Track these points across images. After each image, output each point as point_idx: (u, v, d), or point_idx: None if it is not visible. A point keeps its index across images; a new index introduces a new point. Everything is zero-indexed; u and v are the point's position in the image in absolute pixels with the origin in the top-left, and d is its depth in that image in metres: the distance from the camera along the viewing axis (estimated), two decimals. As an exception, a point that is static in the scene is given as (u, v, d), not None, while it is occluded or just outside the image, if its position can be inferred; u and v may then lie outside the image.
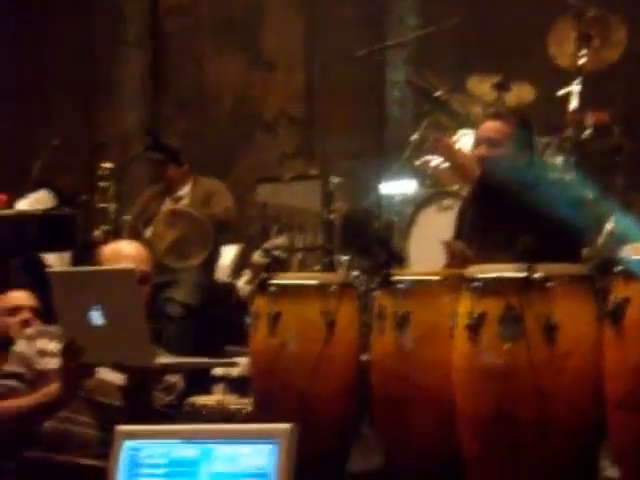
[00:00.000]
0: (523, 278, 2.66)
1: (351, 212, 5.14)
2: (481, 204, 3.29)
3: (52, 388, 2.46)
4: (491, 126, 3.28)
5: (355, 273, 4.65)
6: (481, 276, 2.78)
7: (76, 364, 2.38)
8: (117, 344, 2.32)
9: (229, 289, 4.97)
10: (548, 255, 2.77)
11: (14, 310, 3.37)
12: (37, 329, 2.80)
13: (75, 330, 2.39)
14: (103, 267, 2.59)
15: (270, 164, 6.54)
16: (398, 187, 5.09)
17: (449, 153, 4.32)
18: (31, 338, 2.71)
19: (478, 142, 3.33)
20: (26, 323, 3.26)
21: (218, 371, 4.15)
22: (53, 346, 2.65)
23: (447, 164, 4.45)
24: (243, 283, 4.98)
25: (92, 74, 7.08)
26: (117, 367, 2.40)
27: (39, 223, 3.68)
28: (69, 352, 2.40)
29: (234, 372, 4.08)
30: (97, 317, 2.31)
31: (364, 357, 3.40)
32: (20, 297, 3.42)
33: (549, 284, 2.68)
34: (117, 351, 2.33)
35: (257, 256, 4.88)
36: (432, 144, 4.51)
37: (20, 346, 2.70)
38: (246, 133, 6.77)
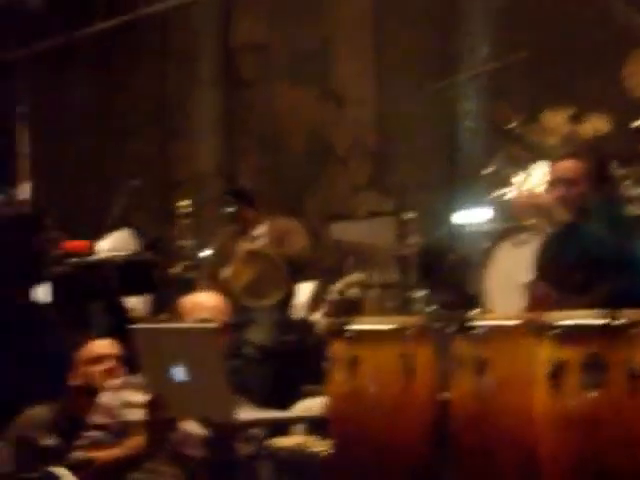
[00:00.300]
0: (605, 325, 2.61)
1: (427, 245, 5.12)
2: (563, 245, 3.25)
3: (137, 441, 2.51)
4: (566, 165, 3.25)
5: (433, 307, 4.62)
6: (562, 323, 2.73)
7: (161, 418, 2.42)
8: (199, 399, 2.36)
9: (306, 326, 4.98)
10: (631, 299, 2.71)
11: (98, 359, 3.41)
12: (121, 380, 2.85)
13: (158, 384, 2.43)
14: (185, 325, 2.63)
15: (343, 197, 6.56)
16: (473, 217, 5.05)
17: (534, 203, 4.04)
18: (116, 389, 2.76)
19: (554, 182, 3.29)
20: (110, 372, 3.30)
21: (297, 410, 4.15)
22: (138, 398, 2.69)
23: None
24: (320, 317, 4.99)
25: (167, 113, 7.22)
26: (200, 422, 2.43)
27: (121, 269, 3.75)
28: (154, 406, 2.44)
29: (314, 412, 4.08)
30: (179, 373, 2.35)
31: (444, 395, 3.36)
32: (104, 345, 3.46)
33: (632, 330, 2.62)
34: (199, 406, 2.37)
35: (333, 294, 4.89)
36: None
37: (105, 397, 2.75)
38: (319, 167, 6.82)
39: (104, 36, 6.49)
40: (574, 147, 3.63)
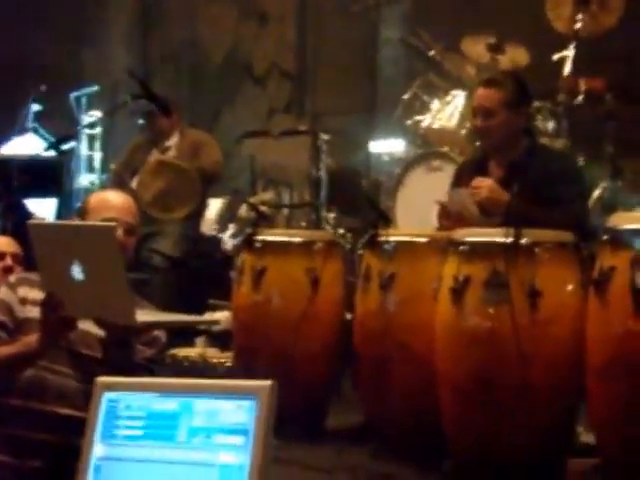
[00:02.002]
0: (510, 243, 2.66)
1: (339, 170, 5.11)
2: (479, 172, 3.26)
3: (32, 339, 2.43)
4: (484, 95, 3.24)
5: (341, 231, 4.65)
6: (468, 239, 2.77)
7: (56, 317, 2.35)
8: (98, 300, 2.29)
9: (214, 242, 4.94)
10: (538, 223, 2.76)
11: None
12: (18, 276, 2.76)
13: (56, 283, 2.35)
14: (84, 222, 2.54)
15: (259, 118, 6.49)
16: (387, 146, 5.06)
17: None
18: (11, 286, 2.67)
19: (474, 112, 3.29)
20: (8, 270, 3.22)
21: (200, 324, 4.13)
22: (34, 294, 2.61)
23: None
24: (228, 237, 4.96)
25: (81, 20, 6.96)
26: (98, 323, 2.37)
27: (24, 168, 3.62)
28: (49, 305, 2.36)
29: (217, 325, 4.07)
30: (78, 272, 2.27)
31: (348, 316, 3.41)
32: (2, 243, 3.37)
33: (536, 250, 2.68)
34: (98, 307, 2.30)
35: (243, 210, 4.86)
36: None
37: (1, 293, 2.67)
38: (235, 85, 6.70)
39: None
40: (493, 74, 3.62)
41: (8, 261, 3.28)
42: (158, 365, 2.66)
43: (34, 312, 2.55)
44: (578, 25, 4.34)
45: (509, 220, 2.76)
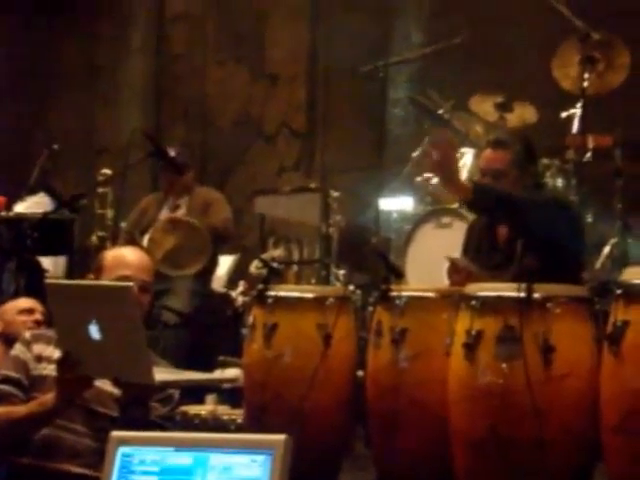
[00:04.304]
0: (522, 298, 2.66)
1: (349, 227, 5.14)
2: (488, 232, 3.29)
3: (47, 398, 2.42)
4: (493, 156, 3.28)
5: (351, 287, 4.65)
6: (480, 294, 2.77)
7: (73, 376, 2.35)
8: (116, 359, 2.29)
9: (225, 299, 4.95)
10: (548, 276, 2.76)
11: (30, 310, 3.39)
12: (33, 333, 2.77)
13: (73, 342, 2.35)
14: (102, 282, 2.55)
15: (269, 176, 6.54)
16: (397, 203, 5.10)
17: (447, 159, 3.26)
18: (27, 343, 2.67)
19: (483, 173, 3.32)
20: (38, 324, 3.27)
21: (211, 380, 4.11)
22: (50, 351, 2.61)
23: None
24: (238, 293, 4.97)
25: (94, 79, 7.08)
26: (115, 382, 2.37)
27: (37, 226, 3.66)
28: (65, 364, 2.36)
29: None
30: (95, 331, 2.28)
31: (360, 373, 3.39)
32: (32, 301, 3.43)
33: (548, 304, 2.67)
34: (116, 366, 2.30)
35: (254, 267, 4.88)
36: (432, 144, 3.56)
37: (16, 350, 2.67)
38: (246, 144, 6.78)
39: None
40: (499, 134, 3.65)
41: (38, 315, 3.32)
42: (170, 423, 2.65)
43: (49, 369, 2.55)
44: (585, 84, 4.39)
45: (521, 275, 2.76)
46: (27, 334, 2.75)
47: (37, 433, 2.48)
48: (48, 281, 2.52)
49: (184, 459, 1.71)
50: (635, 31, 4.73)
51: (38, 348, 2.64)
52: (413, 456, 3.01)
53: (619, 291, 2.49)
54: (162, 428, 2.55)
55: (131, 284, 2.35)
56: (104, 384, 2.53)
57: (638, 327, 2.38)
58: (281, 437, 1.69)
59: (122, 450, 1.74)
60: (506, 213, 3.12)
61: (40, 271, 4.36)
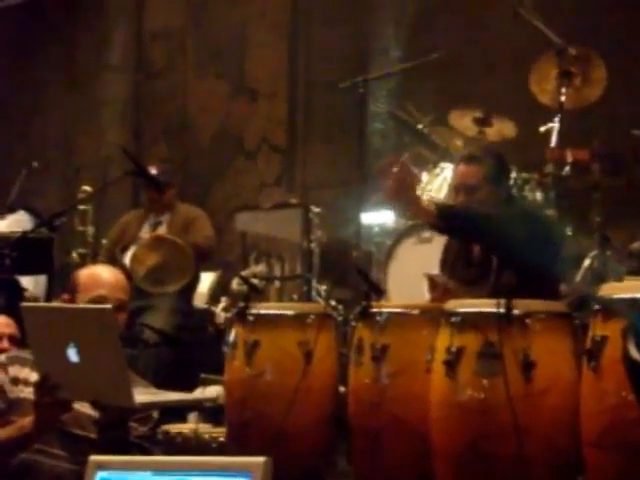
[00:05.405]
0: (502, 314, 2.66)
1: (330, 242, 5.15)
2: (463, 249, 3.30)
3: (25, 422, 2.40)
4: (466, 172, 3.29)
5: (333, 303, 4.65)
6: (460, 310, 2.77)
7: (51, 400, 2.32)
8: (95, 382, 2.27)
9: (206, 316, 4.94)
10: (525, 291, 2.77)
11: None
12: (8, 355, 2.74)
13: (50, 365, 2.33)
14: (79, 306, 2.53)
15: (250, 192, 6.54)
16: (378, 217, 5.11)
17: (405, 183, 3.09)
18: (3, 365, 2.65)
19: (456, 189, 3.34)
20: (3, 352, 3.20)
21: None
22: (26, 373, 2.59)
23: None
24: (221, 310, 4.96)
25: (74, 96, 7.07)
26: (94, 405, 2.35)
27: (16, 245, 3.64)
28: (44, 388, 2.34)
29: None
30: (73, 354, 2.26)
31: (341, 389, 3.39)
32: (4, 324, 3.36)
33: (527, 320, 2.68)
34: (95, 389, 2.28)
35: (235, 284, 4.87)
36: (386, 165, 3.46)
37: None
38: (226, 160, 6.77)
39: (11, 14, 6.30)
40: (472, 150, 3.67)
41: (4, 343, 3.26)
42: (150, 442, 2.63)
43: (26, 392, 2.52)
44: (563, 98, 4.42)
45: (500, 291, 2.77)
46: (2, 356, 2.73)
47: (15, 458, 2.45)
48: (24, 304, 2.49)
49: (163, 483, 1.70)
50: (610, 46, 4.78)
51: (14, 370, 2.62)
52: (395, 472, 3.01)
53: (597, 307, 2.50)
54: (142, 448, 2.54)
55: (109, 306, 2.34)
56: (82, 406, 2.51)
57: (616, 342, 2.39)
58: (260, 459, 1.68)
59: (100, 475, 1.73)
60: (472, 233, 3.13)
61: (19, 290, 4.34)
